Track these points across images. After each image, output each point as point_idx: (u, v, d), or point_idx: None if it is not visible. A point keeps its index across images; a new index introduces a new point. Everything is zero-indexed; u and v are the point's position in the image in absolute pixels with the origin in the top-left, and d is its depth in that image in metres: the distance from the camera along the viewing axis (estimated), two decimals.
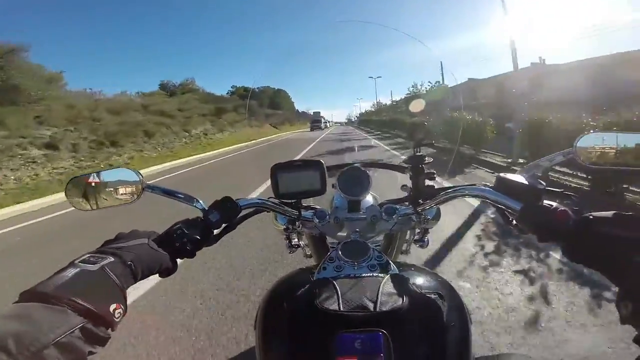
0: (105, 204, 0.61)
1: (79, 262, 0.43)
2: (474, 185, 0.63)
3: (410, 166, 0.73)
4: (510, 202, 0.55)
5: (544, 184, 0.56)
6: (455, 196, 0.66)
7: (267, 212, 0.71)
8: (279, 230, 0.95)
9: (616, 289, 0.42)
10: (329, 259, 0.63)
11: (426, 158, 0.73)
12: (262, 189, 5.23)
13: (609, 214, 0.45)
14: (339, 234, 0.80)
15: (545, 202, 0.51)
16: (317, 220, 0.74)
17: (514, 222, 0.56)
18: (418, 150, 0.74)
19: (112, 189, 0.61)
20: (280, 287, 0.67)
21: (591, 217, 0.46)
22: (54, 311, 0.35)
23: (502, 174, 0.59)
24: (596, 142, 0.64)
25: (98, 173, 0.61)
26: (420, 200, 0.72)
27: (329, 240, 0.95)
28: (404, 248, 1.02)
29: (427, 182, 0.72)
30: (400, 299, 0.49)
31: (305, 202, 0.78)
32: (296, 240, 1.00)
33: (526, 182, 0.56)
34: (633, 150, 0.62)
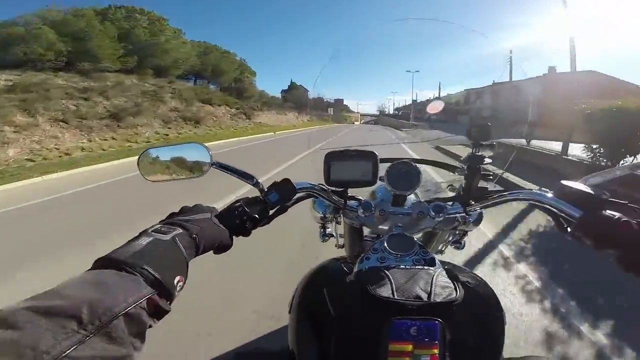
0: (175, 176, 0.65)
1: (152, 231, 0.43)
2: (532, 190, 0.62)
3: (468, 165, 0.72)
4: (570, 209, 0.54)
5: (608, 194, 0.54)
6: (509, 200, 0.66)
7: (317, 197, 0.74)
8: (316, 218, 0.97)
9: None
10: (372, 249, 0.65)
11: (485, 159, 0.72)
12: None
13: None
14: (380, 227, 0.81)
15: (608, 212, 0.51)
16: (362, 211, 0.75)
17: (569, 229, 0.55)
18: (477, 150, 0.73)
19: (182, 162, 0.65)
20: (317, 275, 0.70)
21: None
22: (127, 279, 0.35)
23: (563, 182, 0.58)
24: None
25: (170, 146, 0.65)
26: (471, 201, 0.71)
27: (366, 232, 0.97)
28: (440, 248, 1.02)
29: (481, 184, 0.71)
30: (454, 292, 0.50)
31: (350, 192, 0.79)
32: (330, 229, 1.03)
33: (589, 191, 0.55)
34: None
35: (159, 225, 0.46)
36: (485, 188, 0.70)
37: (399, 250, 0.63)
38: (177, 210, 0.53)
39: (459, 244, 0.94)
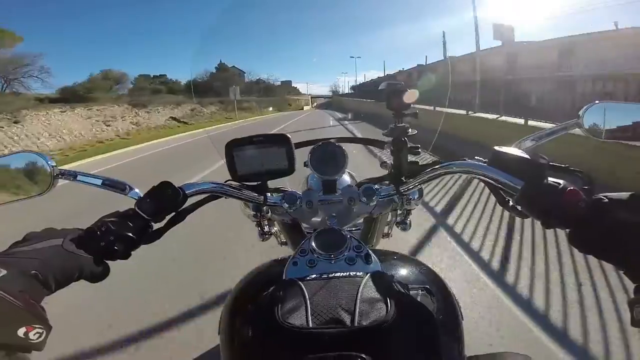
0: (8, 197, 0.49)
1: None
2: (464, 160, 0.54)
3: (391, 140, 0.63)
4: (508, 179, 0.46)
5: (547, 158, 0.48)
6: (442, 173, 0.57)
7: (225, 198, 0.60)
8: (249, 216, 0.85)
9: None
10: (300, 251, 0.54)
11: (409, 130, 0.63)
12: None
13: (625, 195, 0.38)
14: (314, 219, 0.71)
15: (550, 180, 0.44)
16: (287, 205, 0.64)
17: (511, 202, 0.48)
18: (399, 121, 0.64)
19: (15, 179, 0.48)
20: (246, 287, 0.59)
21: (605, 199, 0.39)
22: None
23: (497, 147, 0.50)
24: (601, 112, 0.57)
25: None
26: (403, 179, 0.63)
27: (305, 226, 0.86)
28: (385, 231, 0.95)
29: (410, 158, 0.63)
30: (384, 307, 0.41)
31: (273, 184, 0.68)
32: (268, 227, 0.91)
33: (526, 157, 0.47)
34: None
35: None
36: (416, 162, 0.62)
37: (329, 249, 0.53)
38: (20, 239, 0.43)
39: (404, 225, 0.87)
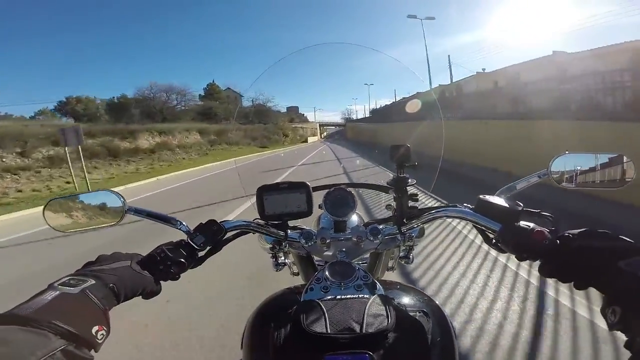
0: (86, 226, 0.60)
1: (59, 284, 0.43)
2: (456, 206, 0.65)
3: (394, 188, 0.75)
4: (489, 223, 0.57)
5: (522, 205, 0.58)
6: (437, 217, 0.68)
7: (253, 233, 0.71)
8: (265, 249, 0.95)
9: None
10: (316, 279, 0.64)
11: (409, 180, 0.75)
12: None
13: (582, 230, 0.48)
14: (326, 253, 0.80)
15: (523, 222, 0.54)
16: (304, 241, 0.74)
17: (494, 241, 0.58)
18: (401, 172, 0.76)
19: (93, 211, 0.60)
20: (267, 308, 0.67)
21: (567, 234, 0.49)
22: (33, 334, 0.35)
23: (481, 196, 0.62)
24: (569, 162, 0.67)
25: (78, 195, 0.61)
26: (404, 220, 0.73)
27: (316, 259, 0.95)
28: (390, 265, 1.03)
29: (411, 203, 0.73)
30: (386, 320, 0.50)
31: (291, 221, 0.78)
32: (283, 258, 1.00)
33: (505, 204, 0.58)
34: (603, 168, 0.65)
35: (67, 278, 0.45)
36: (415, 207, 0.73)
37: (340, 278, 0.63)
38: (93, 260, 0.52)
39: (407, 259, 0.96)
